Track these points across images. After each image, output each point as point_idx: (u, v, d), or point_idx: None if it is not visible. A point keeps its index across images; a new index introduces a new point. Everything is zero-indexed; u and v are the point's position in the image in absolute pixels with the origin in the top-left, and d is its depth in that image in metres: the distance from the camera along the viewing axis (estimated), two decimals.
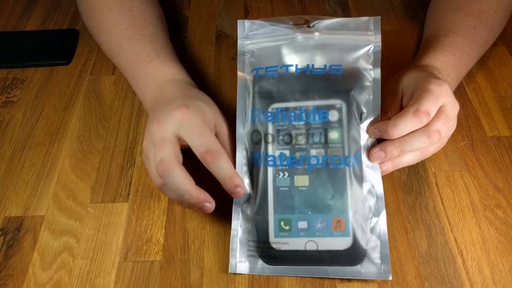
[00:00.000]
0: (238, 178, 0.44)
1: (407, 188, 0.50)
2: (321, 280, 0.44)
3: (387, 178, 0.51)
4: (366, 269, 0.43)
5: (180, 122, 0.44)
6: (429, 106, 0.44)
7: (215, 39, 0.69)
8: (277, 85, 0.47)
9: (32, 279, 0.45)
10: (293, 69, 0.47)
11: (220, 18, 0.72)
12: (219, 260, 0.45)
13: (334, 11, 0.72)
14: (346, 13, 0.71)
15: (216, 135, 0.46)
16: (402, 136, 0.44)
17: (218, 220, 0.48)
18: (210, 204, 0.43)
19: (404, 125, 0.43)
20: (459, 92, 0.59)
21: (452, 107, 0.46)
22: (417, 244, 0.46)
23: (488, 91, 0.60)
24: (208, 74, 0.63)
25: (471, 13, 0.57)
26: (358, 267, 0.43)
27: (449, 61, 0.53)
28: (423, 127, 0.44)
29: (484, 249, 0.46)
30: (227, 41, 0.68)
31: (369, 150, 0.45)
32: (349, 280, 0.44)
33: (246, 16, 0.72)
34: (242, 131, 0.47)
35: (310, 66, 0.47)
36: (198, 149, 0.43)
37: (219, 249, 0.46)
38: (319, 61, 0.47)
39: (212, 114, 0.47)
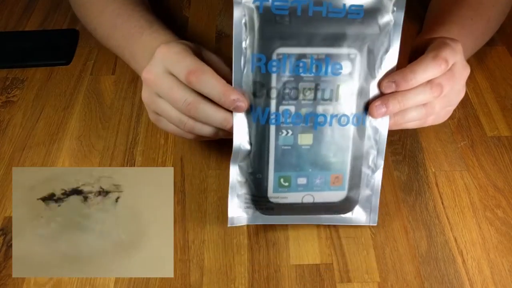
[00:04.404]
0: (233, 92, 0.40)
1: (407, 188, 0.50)
2: (321, 280, 0.44)
3: (387, 178, 0.51)
4: (356, 215, 0.45)
5: (162, 58, 0.43)
6: (448, 54, 0.42)
7: (215, 39, 0.69)
8: (286, 25, 0.39)
9: (32, 279, 0.45)
10: (307, 6, 0.39)
11: (220, 18, 0.72)
12: (219, 260, 0.45)
13: None
14: None
15: (207, 63, 0.43)
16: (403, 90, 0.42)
17: (218, 220, 0.48)
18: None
19: (424, 70, 0.41)
20: None
21: (462, 69, 0.44)
22: (417, 244, 0.46)
23: (488, 91, 0.60)
24: None
25: (468, 5, 0.58)
26: (349, 214, 0.45)
27: None
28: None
29: (484, 249, 0.46)
30: (227, 41, 0.68)
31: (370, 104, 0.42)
32: (348, 280, 0.44)
33: None
34: (240, 78, 0.41)
35: (327, 5, 0.39)
36: (181, 74, 0.41)
37: (219, 249, 0.46)
38: None
39: (200, 47, 0.46)
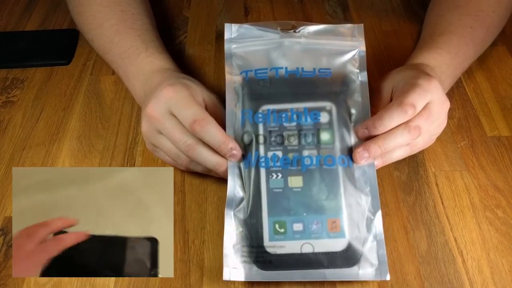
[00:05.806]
0: (231, 141, 0.44)
1: (407, 188, 0.50)
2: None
3: (387, 178, 0.51)
4: (363, 270, 0.42)
5: (168, 101, 0.45)
6: (415, 98, 0.44)
7: (215, 39, 0.69)
8: (267, 87, 0.48)
9: (32, 279, 0.45)
10: (283, 71, 0.48)
11: (220, 18, 0.72)
12: (219, 260, 0.45)
13: (334, 11, 0.72)
14: (346, 13, 0.72)
15: (206, 107, 0.48)
16: (383, 134, 0.44)
17: (218, 220, 0.48)
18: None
19: (390, 117, 0.44)
20: (459, 92, 0.59)
21: (440, 104, 0.46)
22: (417, 244, 0.46)
23: (488, 91, 0.60)
24: (208, 74, 0.63)
25: (468, 12, 0.57)
26: (355, 268, 0.42)
27: (444, 59, 0.53)
28: (404, 122, 0.44)
29: (484, 249, 0.46)
30: None
31: (353, 150, 0.45)
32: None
33: (246, 16, 0.72)
34: (232, 133, 0.46)
35: (300, 69, 0.48)
36: (186, 121, 0.44)
37: (219, 249, 0.46)
38: (308, 65, 0.48)
39: (199, 88, 0.49)
